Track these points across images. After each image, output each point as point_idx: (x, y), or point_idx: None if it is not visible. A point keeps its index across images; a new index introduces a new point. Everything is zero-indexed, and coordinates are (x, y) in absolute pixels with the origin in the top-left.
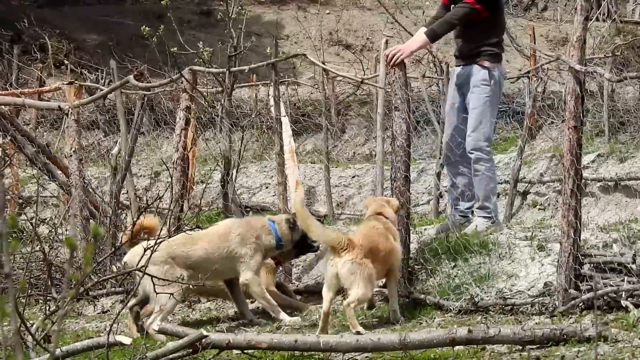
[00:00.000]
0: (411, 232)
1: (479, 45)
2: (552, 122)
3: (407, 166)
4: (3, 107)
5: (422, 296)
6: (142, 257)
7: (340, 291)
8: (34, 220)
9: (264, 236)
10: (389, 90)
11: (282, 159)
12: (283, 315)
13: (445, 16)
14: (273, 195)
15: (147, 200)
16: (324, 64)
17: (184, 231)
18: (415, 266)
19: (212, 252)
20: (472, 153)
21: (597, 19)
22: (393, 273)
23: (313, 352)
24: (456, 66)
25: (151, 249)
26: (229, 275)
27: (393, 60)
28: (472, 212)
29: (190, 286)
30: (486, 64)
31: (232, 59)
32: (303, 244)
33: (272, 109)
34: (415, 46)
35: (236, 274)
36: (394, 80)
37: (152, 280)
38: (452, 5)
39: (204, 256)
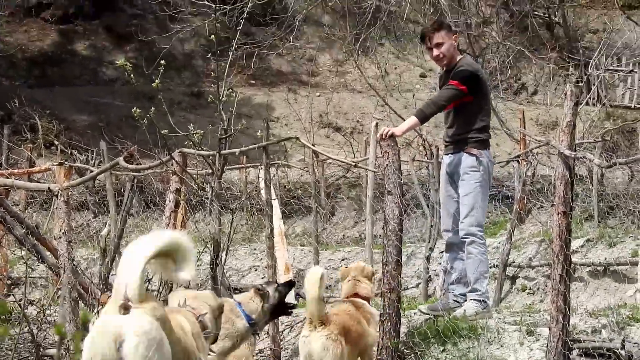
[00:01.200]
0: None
1: (466, 132)
2: (542, 207)
3: (399, 250)
4: None
5: None
6: None
7: None
8: (22, 302)
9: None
10: (381, 173)
11: (271, 242)
12: None
13: (433, 97)
14: (262, 278)
15: None
16: (314, 146)
17: None
18: (405, 350)
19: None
20: (466, 238)
21: (587, 103)
22: (365, 356)
23: None
24: (445, 154)
25: None
26: None
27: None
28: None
29: None
30: (474, 151)
31: (222, 141)
32: (279, 309)
33: (263, 191)
34: (405, 127)
35: None
36: (387, 165)
37: None
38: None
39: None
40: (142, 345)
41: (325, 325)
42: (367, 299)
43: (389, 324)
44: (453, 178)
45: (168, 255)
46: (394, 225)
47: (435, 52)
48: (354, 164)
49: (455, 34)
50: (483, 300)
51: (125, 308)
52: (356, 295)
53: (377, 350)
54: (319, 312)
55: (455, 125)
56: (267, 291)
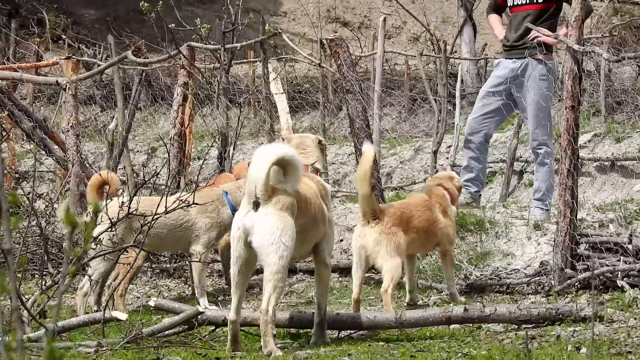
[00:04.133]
0: None
1: (536, 37)
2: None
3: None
4: (0, 81)
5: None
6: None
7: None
8: (30, 195)
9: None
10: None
11: (273, 138)
12: (204, 301)
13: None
14: None
15: (144, 176)
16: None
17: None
18: None
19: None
20: (540, 148)
21: None
22: (444, 250)
23: (308, 330)
24: (507, 58)
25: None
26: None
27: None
28: (480, 195)
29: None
30: (545, 58)
31: (227, 36)
32: None
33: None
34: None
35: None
36: (339, 64)
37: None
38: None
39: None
40: (269, 237)
41: (380, 219)
42: (451, 198)
43: None
44: (512, 83)
45: (282, 166)
46: (360, 123)
47: None
48: (318, 62)
49: None
50: (547, 209)
51: (256, 205)
52: (440, 185)
53: None
54: (369, 205)
55: (524, 29)
56: None
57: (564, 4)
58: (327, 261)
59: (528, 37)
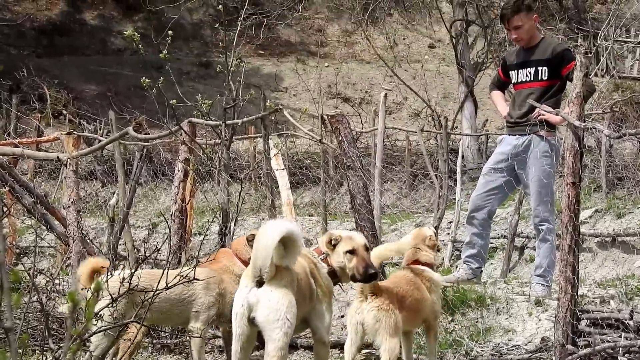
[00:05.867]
0: None
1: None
2: None
3: (372, 223)
4: (1, 156)
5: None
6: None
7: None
8: (31, 271)
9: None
10: (338, 149)
11: (274, 214)
12: None
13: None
14: None
15: (144, 252)
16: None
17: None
18: None
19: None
20: (542, 225)
21: (596, 75)
22: (429, 325)
23: None
24: (510, 135)
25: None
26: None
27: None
28: (481, 271)
29: None
30: (548, 135)
31: (228, 111)
32: None
33: (272, 162)
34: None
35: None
36: (340, 140)
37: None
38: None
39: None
40: (274, 314)
41: (377, 296)
42: (430, 266)
43: None
44: (514, 160)
45: (283, 242)
46: (361, 199)
47: (514, 34)
48: (319, 138)
49: (535, 14)
50: (548, 285)
51: (260, 283)
52: (417, 262)
53: None
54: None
55: (528, 106)
56: None
57: (567, 82)
58: (325, 339)
59: (532, 114)
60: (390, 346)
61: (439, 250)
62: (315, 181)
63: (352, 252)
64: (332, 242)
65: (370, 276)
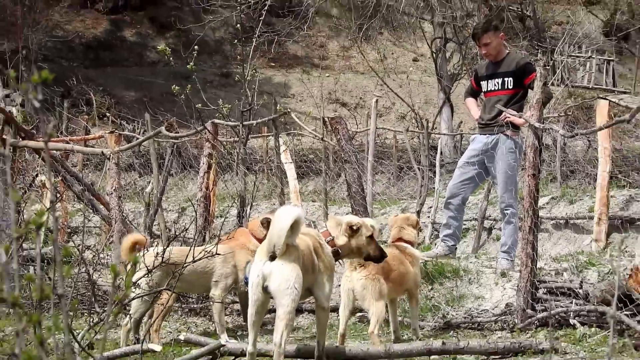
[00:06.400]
0: None
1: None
2: None
3: (365, 207)
4: (55, 151)
5: (400, 317)
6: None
7: (355, 311)
8: (80, 247)
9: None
10: (337, 146)
11: (283, 200)
12: (224, 336)
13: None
14: None
15: (175, 231)
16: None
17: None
18: None
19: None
20: (507, 209)
21: (553, 84)
22: (412, 296)
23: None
24: (481, 134)
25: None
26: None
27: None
28: (456, 248)
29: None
30: (513, 134)
31: (245, 114)
32: None
33: (281, 156)
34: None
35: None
36: (338, 138)
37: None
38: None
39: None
40: (284, 283)
41: (365, 267)
42: (411, 243)
43: None
44: (484, 155)
45: (291, 225)
46: (356, 187)
47: (484, 50)
48: (321, 137)
49: (501, 32)
50: (512, 260)
51: (272, 258)
52: (401, 239)
53: None
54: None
55: (497, 110)
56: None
57: (529, 90)
58: (325, 305)
59: (500, 117)
60: (377, 309)
61: (420, 230)
62: (317, 172)
63: (370, 237)
64: (354, 227)
65: (382, 258)
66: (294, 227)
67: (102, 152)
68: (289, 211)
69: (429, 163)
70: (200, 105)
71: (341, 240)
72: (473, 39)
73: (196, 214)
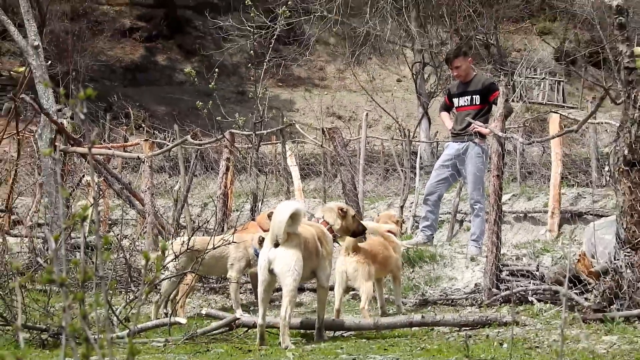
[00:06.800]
0: None
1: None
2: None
3: (357, 203)
4: (99, 156)
5: (386, 295)
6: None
7: (348, 289)
8: (119, 236)
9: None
10: (334, 151)
11: (289, 197)
12: (239, 311)
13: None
14: None
15: (198, 223)
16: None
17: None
18: None
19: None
20: (475, 205)
21: (513, 100)
22: (395, 277)
23: (313, 331)
24: (454, 142)
25: (201, 256)
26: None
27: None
28: (433, 237)
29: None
30: (479, 141)
31: (257, 125)
32: None
33: (288, 160)
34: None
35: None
36: (335, 145)
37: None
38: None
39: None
40: (286, 266)
41: (356, 252)
42: (393, 233)
43: None
44: (457, 159)
45: (291, 217)
46: (349, 186)
47: (455, 72)
48: (321, 144)
49: (469, 57)
50: (479, 247)
51: (276, 245)
52: (386, 231)
53: None
54: (352, 244)
55: (466, 122)
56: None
57: (493, 106)
58: (324, 284)
59: (469, 128)
60: (366, 288)
61: (403, 223)
62: (317, 174)
63: (353, 217)
64: (344, 209)
65: (363, 231)
66: (294, 218)
67: (138, 156)
68: (287, 205)
69: (410, 166)
70: (219, 118)
71: (337, 224)
72: (446, 62)
73: (216, 209)
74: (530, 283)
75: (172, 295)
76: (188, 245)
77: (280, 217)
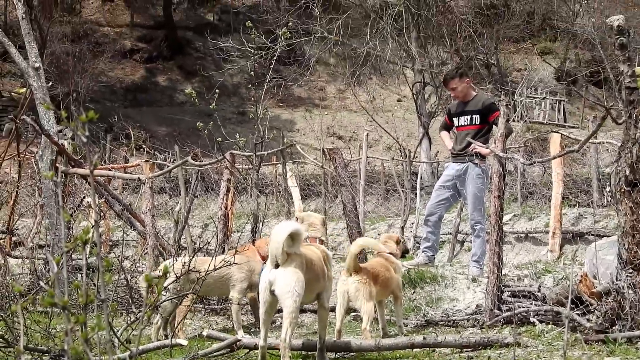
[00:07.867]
0: None
1: (474, 148)
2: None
3: (358, 224)
4: (99, 177)
5: (387, 316)
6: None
7: (350, 310)
8: (120, 257)
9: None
10: (335, 172)
11: (289, 217)
12: (240, 332)
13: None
14: None
15: (199, 244)
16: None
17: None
18: None
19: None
20: (476, 225)
21: (514, 120)
22: (397, 297)
23: (314, 352)
24: (454, 162)
25: (202, 277)
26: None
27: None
28: (434, 258)
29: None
30: (479, 162)
31: (257, 146)
32: None
33: (288, 181)
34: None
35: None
36: (336, 166)
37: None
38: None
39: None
40: (286, 287)
41: (358, 273)
42: (394, 255)
43: None
44: (457, 180)
45: (291, 236)
46: (350, 207)
47: (452, 93)
48: (321, 164)
49: (468, 78)
50: (481, 268)
51: (276, 266)
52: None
53: None
54: (353, 264)
55: (467, 143)
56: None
57: (494, 125)
58: (326, 305)
59: (469, 148)
60: (367, 308)
61: (404, 244)
62: (318, 194)
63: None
64: (324, 218)
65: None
66: (294, 238)
67: (139, 177)
68: (283, 226)
69: (411, 186)
70: (220, 138)
71: (323, 235)
72: (443, 84)
73: (217, 230)
74: (532, 304)
75: (170, 317)
76: (189, 266)
77: (277, 238)
